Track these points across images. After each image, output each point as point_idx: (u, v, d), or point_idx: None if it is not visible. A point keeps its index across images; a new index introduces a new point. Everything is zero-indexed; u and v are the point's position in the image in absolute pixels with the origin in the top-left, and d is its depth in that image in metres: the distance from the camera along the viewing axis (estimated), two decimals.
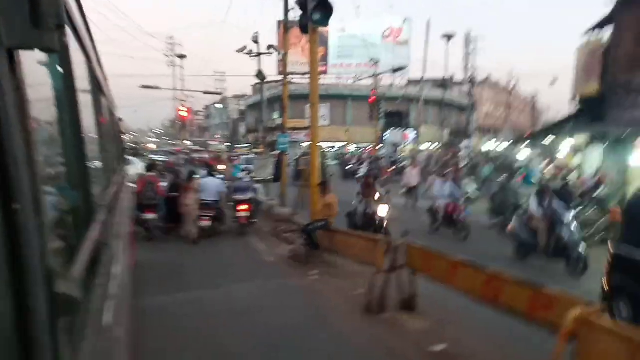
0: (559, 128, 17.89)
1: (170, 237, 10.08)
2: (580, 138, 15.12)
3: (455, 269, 5.13)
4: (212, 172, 11.57)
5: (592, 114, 15.17)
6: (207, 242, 9.76)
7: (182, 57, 43.14)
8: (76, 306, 0.98)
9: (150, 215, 9.62)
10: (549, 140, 17.38)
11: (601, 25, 16.17)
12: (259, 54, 21.49)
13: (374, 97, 30.88)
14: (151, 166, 11.36)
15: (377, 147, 32.89)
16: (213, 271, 7.70)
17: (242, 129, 54.98)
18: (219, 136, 59.56)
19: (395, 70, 31.87)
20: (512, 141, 29.74)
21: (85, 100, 1.93)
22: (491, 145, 39.17)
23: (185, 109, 39.44)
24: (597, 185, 12.71)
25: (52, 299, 0.79)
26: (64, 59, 1.48)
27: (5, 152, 0.71)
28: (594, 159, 14.55)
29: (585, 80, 16.65)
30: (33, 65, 1.08)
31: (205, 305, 5.90)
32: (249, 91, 54.20)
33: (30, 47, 0.91)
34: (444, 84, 35.08)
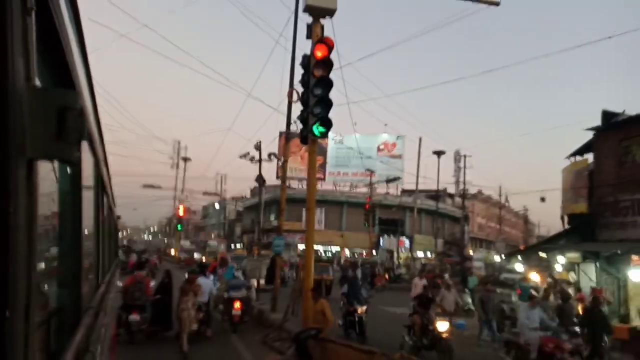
0: (552, 244, 17.99)
1: (154, 340, 9.47)
2: (573, 255, 15.10)
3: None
4: (204, 272, 11.42)
5: (583, 231, 15.39)
6: (193, 349, 9.16)
7: (186, 159, 44.70)
8: None
9: (135, 317, 9.13)
10: (542, 255, 17.34)
11: (581, 152, 17.10)
12: (260, 160, 22.35)
13: (368, 205, 31.54)
14: (142, 264, 11.14)
15: (372, 253, 32.71)
16: None
17: (238, 230, 54.93)
18: (215, 235, 59.24)
19: (389, 181, 32.99)
20: (505, 254, 29.65)
21: (87, 198, 1.98)
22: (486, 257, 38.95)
23: (183, 208, 39.83)
24: (594, 301, 12.41)
25: None
26: (76, 163, 1.55)
27: (8, 258, 0.73)
28: (589, 275, 14.40)
29: (573, 200, 17.13)
30: (42, 164, 1.14)
31: None
32: (247, 193, 55.24)
33: (50, 159, 0.98)
34: (436, 195, 35.99)
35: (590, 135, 16.01)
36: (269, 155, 22.34)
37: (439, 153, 33.20)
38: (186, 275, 10.48)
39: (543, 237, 30.58)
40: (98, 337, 2.01)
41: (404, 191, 43.12)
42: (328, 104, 9.02)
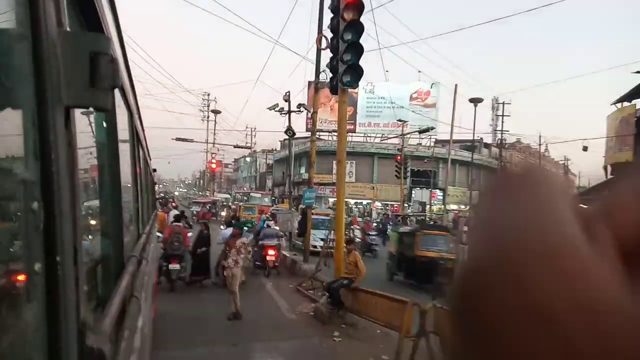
0: (593, 196, 17.44)
1: (192, 288, 10.01)
2: None
3: None
4: (233, 223, 11.96)
5: None
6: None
7: (216, 112, 45.05)
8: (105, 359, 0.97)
9: (174, 266, 9.63)
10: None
11: (629, 97, 16.12)
12: (289, 112, 22.22)
13: (399, 157, 31.19)
14: (179, 216, 11.56)
15: (403, 205, 32.70)
16: (233, 326, 7.52)
17: (269, 183, 55.82)
18: (247, 187, 60.57)
19: (422, 131, 32.24)
20: None
21: (123, 152, 2.01)
22: None
23: (215, 162, 40.58)
24: None
25: (83, 353, 0.79)
26: (109, 113, 1.56)
27: (53, 205, 0.73)
28: None
29: (617, 148, 16.37)
30: (79, 115, 1.14)
31: None
32: (277, 146, 55.59)
33: (85, 106, 0.97)
34: (472, 146, 35.06)
35: (639, 79, 15.02)
36: (298, 106, 22.09)
37: (475, 101, 32.05)
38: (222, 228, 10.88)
39: (583, 189, 29.62)
40: (142, 284, 2.10)
41: (437, 142, 42.26)
42: (359, 50, 8.71)
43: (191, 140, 32.82)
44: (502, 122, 33.43)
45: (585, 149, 29.90)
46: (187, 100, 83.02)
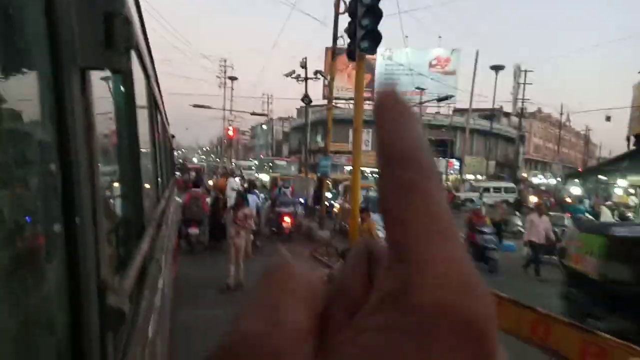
0: (614, 166, 17.02)
1: (211, 251, 10.25)
2: (636, 178, 14.29)
3: (500, 306, 4.92)
4: (252, 189, 11.99)
5: None
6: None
7: (233, 79, 44.79)
8: (125, 319, 1.00)
9: (194, 230, 9.88)
10: (601, 178, 16.57)
11: None
12: (306, 79, 21.94)
13: None
14: (196, 183, 11.74)
15: None
16: (251, 288, 7.68)
17: (285, 150, 55.90)
18: (263, 155, 60.86)
19: (440, 99, 31.59)
20: (562, 177, 28.52)
21: (142, 117, 2.01)
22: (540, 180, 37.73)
23: (232, 129, 40.64)
24: None
25: (104, 312, 0.81)
26: (126, 76, 1.55)
27: (72, 167, 0.74)
28: None
29: None
30: (96, 79, 1.13)
31: None
32: (294, 114, 55.31)
33: (101, 68, 0.96)
34: (491, 114, 34.32)
35: None
36: (315, 73, 21.79)
37: (497, 68, 31.17)
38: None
39: (605, 160, 28.94)
40: (162, 247, 2.14)
41: (455, 110, 41.45)
42: (377, 15, 8.49)
43: (208, 107, 32.79)
44: (524, 90, 32.52)
45: (608, 119, 29.04)
46: (205, 66, 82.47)
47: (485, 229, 10.25)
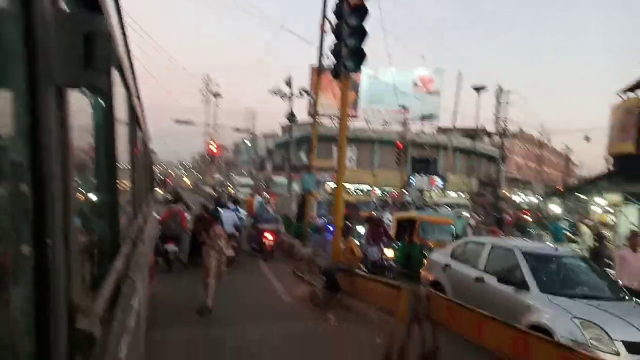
0: (593, 185, 17.42)
1: (190, 270, 10.04)
2: (614, 197, 14.63)
3: (483, 324, 4.93)
4: (224, 205, 12.01)
5: (627, 173, 14.73)
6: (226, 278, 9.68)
7: (217, 95, 44.73)
8: (95, 342, 0.97)
9: (171, 247, 9.65)
10: (581, 197, 16.93)
11: (634, 87, 16.04)
12: (290, 96, 22.09)
13: (400, 145, 31.19)
14: (177, 198, 11.58)
15: (402, 191, 32.72)
16: (229, 308, 7.57)
17: (269, 167, 55.75)
18: (246, 170, 60.50)
19: (423, 118, 32.11)
20: (543, 195, 29.03)
21: (121, 133, 2.00)
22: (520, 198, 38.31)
23: (215, 145, 40.40)
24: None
25: (73, 336, 0.79)
26: (105, 94, 1.55)
27: (44, 187, 0.73)
28: (630, 218, 13.99)
29: (620, 139, 16.31)
30: (76, 97, 1.13)
31: (218, 344, 5.79)
32: (278, 130, 55.35)
33: (79, 86, 0.96)
34: (474, 134, 34.88)
35: None
36: (300, 91, 22.01)
37: (478, 88, 31.80)
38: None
39: (584, 179, 29.56)
40: (137, 264, 2.10)
41: (439, 129, 42.06)
42: (362, 35, 8.67)
43: (190, 123, 32.63)
44: (506, 110, 33.29)
45: (587, 139, 29.80)
46: (188, 82, 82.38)
47: None
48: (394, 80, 33.18)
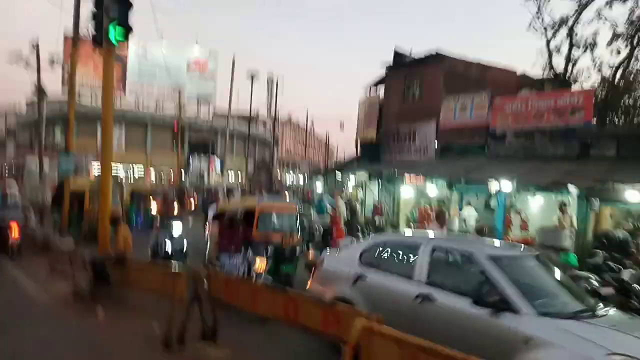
0: (347, 166, 20.37)
1: None
2: (362, 175, 17.41)
3: (256, 294, 5.21)
4: None
5: (371, 156, 17.80)
6: None
7: None
8: None
9: None
10: (338, 175, 19.58)
11: (377, 84, 19.49)
12: (38, 69, 18.65)
13: (176, 129, 30.32)
14: None
15: (181, 173, 31.88)
16: None
17: (12, 148, 46.10)
18: None
19: (200, 100, 31.79)
20: (308, 175, 32.53)
21: None
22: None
23: None
24: (374, 214, 15.02)
25: None
26: None
27: None
28: (374, 191, 16.92)
29: (365, 128, 19.44)
30: None
31: None
32: (22, 106, 45.99)
33: None
34: (250, 119, 36.31)
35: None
36: (51, 61, 18.66)
37: (252, 76, 32.94)
38: None
39: (340, 161, 34.30)
40: None
41: (216, 114, 42.14)
42: (126, 4, 7.96)
43: None
44: (276, 98, 35.69)
45: (341, 126, 34.61)
46: None
47: None
48: (166, 60, 31.60)
